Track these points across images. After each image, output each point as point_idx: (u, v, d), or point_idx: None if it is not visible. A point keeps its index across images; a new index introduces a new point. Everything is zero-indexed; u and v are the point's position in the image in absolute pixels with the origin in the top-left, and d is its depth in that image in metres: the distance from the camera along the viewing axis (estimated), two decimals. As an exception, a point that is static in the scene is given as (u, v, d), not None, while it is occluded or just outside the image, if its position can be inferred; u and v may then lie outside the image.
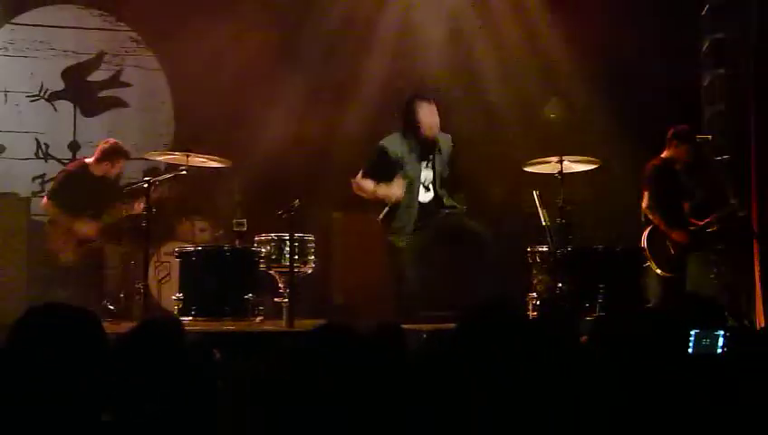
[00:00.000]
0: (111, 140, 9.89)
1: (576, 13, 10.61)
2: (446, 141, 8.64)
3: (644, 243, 9.29)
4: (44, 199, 9.88)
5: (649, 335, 3.95)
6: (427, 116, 8.56)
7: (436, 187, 8.46)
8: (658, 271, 9.25)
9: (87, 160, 9.88)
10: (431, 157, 8.49)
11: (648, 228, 9.36)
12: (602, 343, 3.97)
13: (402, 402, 3.56)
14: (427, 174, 8.46)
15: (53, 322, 3.51)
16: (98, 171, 9.75)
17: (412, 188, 8.42)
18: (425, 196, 8.44)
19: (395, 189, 8.46)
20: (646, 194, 9.41)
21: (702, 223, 9.38)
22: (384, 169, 8.46)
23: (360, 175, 8.68)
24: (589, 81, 10.55)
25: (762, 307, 9.27)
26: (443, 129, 8.78)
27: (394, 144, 8.47)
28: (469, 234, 8.52)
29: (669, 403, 3.63)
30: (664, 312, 4.98)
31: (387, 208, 8.52)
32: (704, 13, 10.45)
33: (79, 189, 9.67)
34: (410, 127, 8.47)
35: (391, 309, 9.25)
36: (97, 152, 9.82)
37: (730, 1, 10.20)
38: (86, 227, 9.66)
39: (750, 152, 9.65)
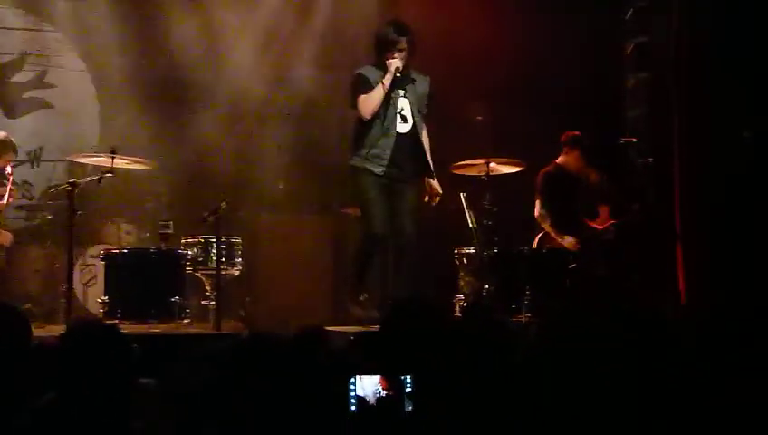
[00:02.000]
0: (1, 133, 9.64)
1: (500, 14, 10.68)
2: (423, 80, 8.48)
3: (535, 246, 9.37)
4: None
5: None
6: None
7: (415, 120, 8.30)
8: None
9: None
10: (405, 87, 8.30)
11: (539, 235, 9.44)
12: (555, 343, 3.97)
13: (325, 403, 3.58)
14: (402, 103, 8.27)
15: None
16: None
17: (388, 114, 8.23)
18: (402, 126, 8.22)
19: (393, 64, 8.15)
20: (537, 202, 9.48)
21: (601, 228, 9.44)
22: (369, 87, 8.22)
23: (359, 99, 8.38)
24: (515, 83, 10.61)
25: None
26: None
27: (369, 71, 8.30)
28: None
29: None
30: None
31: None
32: (627, 16, 10.56)
33: None
34: (382, 59, 8.28)
35: (320, 310, 9.28)
36: None
37: (653, 5, 10.31)
38: (2, 238, 9.47)
39: (672, 155, 9.77)
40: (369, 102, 8.14)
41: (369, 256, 8.27)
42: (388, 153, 8.12)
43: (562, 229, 9.31)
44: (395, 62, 8.12)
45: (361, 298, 8.20)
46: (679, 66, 9.79)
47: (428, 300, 4.50)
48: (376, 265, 8.38)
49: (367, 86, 8.17)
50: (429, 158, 8.35)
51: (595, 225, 9.48)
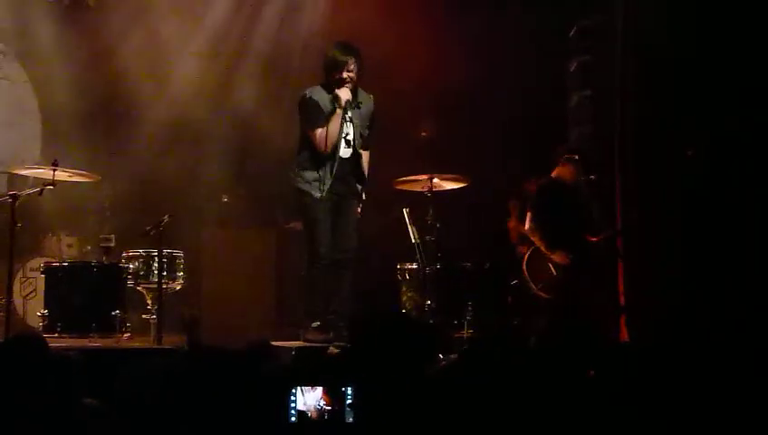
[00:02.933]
0: None
1: (445, 32, 10.74)
2: (367, 99, 8.48)
3: (524, 265, 9.21)
4: None
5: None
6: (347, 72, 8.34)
7: (355, 144, 8.30)
8: (538, 292, 9.11)
9: None
10: (351, 111, 8.30)
11: (530, 250, 9.26)
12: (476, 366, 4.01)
13: (266, 415, 3.58)
14: (348, 128, 8.28)
15: None
16: None
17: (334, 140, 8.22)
18: (345, 151, 8.25)
19: (343, 94, 8.19)
20: (528, 215, 9.32)
21: (597, 239, 9.40)
22: (322, 113, 8.22)
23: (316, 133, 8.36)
24: (459, 100, 10.66)
25: (624, 325, 9.41)
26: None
27: (318, 93, 8.28)
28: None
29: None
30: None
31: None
32: (571, 34, 10.63)
33: None
34: (330, 80, 8.28)
35: (263, 324, 9.25)
36: None
37: (596, 24, 10.38)
38: None
39: (614, 173, 9.83)
40: (329, 139, 8.21)
41: (318, 277, 8.27)
42: (328, 178, 8.17)
43: (554, 243, 9.19)
44: (344, 96, 8.17)
45: (314, 325, 8.17)
46: (621, 85, 9.86)
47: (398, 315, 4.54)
48: (322, 283, 8.35)
49: (318, 114, 8.21)
50: (365, 177, 8.42)
51: (593, 238, 9.37)
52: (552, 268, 9.15)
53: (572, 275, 9.06)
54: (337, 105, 8.17)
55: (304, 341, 8.05)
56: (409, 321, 5.40)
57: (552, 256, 9.15)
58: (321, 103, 8.22)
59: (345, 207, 8.36)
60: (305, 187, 8.23)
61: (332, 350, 7.33)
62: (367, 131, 8.43)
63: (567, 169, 9.38)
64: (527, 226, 9.26)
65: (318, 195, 8.16)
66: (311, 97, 8.29)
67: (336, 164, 8.18)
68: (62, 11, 11.00)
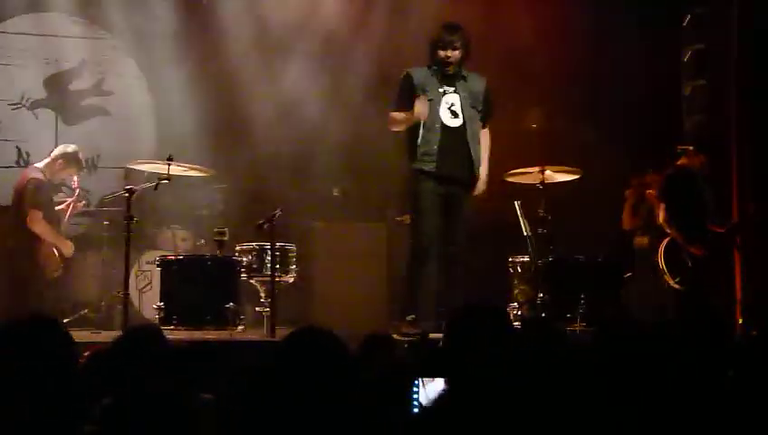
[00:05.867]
0: (72, 147, 9.68)
1: (557, 22, 10.65)
2: (478, 79, 8.53)
3: (660, 255, 9.10)
4: (34, 212, 9.25)
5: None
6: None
7: (464, 115, 8.33)
8: (675, 284, 9.03)
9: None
10: (455, 84, 8.36)
11: (666, 241, 9.11)
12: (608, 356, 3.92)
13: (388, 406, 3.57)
14: (452, 98, 8.31)
15: (27, 332, 3.55)
16: (56, 178, 9.64)
17: (434, 110, 8.27)
18: (452, 120, 8.26)
19: (418, 108, 8.24)
20: (662, 206, 9.19)
21: (723, 231, 9.25)
22: (409, 96, 8.32)
23: (391, 111, 8.52)
24: (570, 90, 10.57)
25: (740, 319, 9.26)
26: None
27: (418, 72, 8.36)
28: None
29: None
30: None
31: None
32: (685, 23, 10.48)
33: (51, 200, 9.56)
34: (434, 59, 8.34)
35: (375, 318, 9.25)
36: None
37: (711, 12, 10.22)
38: (66, 248, 9.49)
39: (731, 163, 9.67)
40: (395, 124, 8.39)
41: (418, 270, 8.28)
42: (435, 148, 8.19)
43: (690, 235, 9.03)
44: (422, 112, 8.20)
45: (409, 318, 8.18)
46: (737, 73, 9.69)
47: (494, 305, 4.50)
48: (427, 278, 8.34)
49: (406, 97, 8.31)
50: (484, 155, 8.40)
51: (718, 228, 9.24)
52: (688, 260, 9.01)
53: (706, 267, 8.92)
54: (415, 113, 8.23)
55: (397, 334, 8.02)
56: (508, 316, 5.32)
57: (689, 249, 8.99)
58: (416, 84, 8.30)
59: (456, 199, 8.35)
60: (418, 164, 8.29)
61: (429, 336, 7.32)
62: (481, 106, 8.43)
63: (694, 159, 9.22)
64: (661, 218, 9.09)
65: (429, 167, 8.22)
66: (408, 74, 8.42)
67: (440, 135, 8.21)
68: (176, 7, 11.12)
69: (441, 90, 8.33)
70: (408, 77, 8.37)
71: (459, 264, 8.37)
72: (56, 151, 9.56)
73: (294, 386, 3.26)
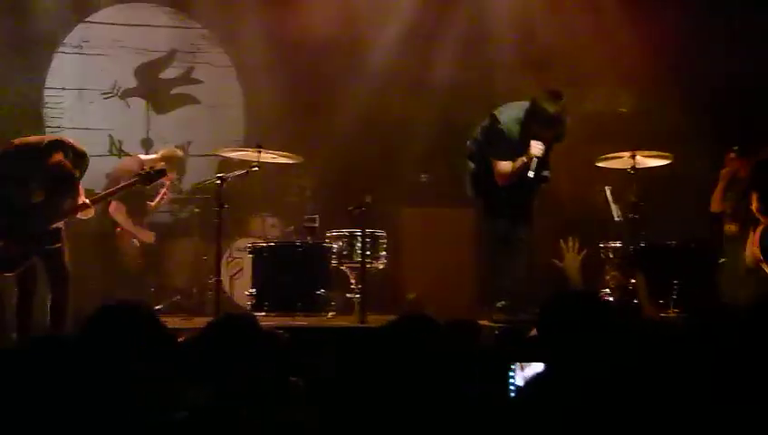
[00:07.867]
0: (179, 152, 9.93)
1: (648, 7, 10.53)
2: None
3: (756, 243, 8.78)
4: (118, 204, 9.58)
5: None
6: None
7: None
8: None
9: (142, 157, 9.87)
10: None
11: (761, 227, 8.72)
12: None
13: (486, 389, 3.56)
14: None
15: (119, 317, 3.63)
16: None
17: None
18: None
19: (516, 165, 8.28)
20: (754, 195, 8.83)
21: None
22: (505, 147, 8.31)
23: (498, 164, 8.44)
24: (660, 75, 10.45)
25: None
26: None
27: (510, 121, 8.27)
28: None
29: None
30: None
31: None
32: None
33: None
34: (531, 122, 8.27)
35: (464, 304, 9.24)
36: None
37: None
38: (145, 236, 9.68)
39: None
40: (505, 176, 8.32)
41: (503, 257, 8.29)
42: None
43: None
44: (535, 151, 8.18)
45: (499, 305, 8.18)
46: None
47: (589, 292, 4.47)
48: (515, 265, 8.35)
49: (502, 144, 8.28)
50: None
51: None
52: None
53: None
54: (525, 155, 8.20)
55: (490, 321, 8.01)
56: (604, 303, 5.28)
57: None
58: (505, 132, 8.26)
59: (526, 189, 8.36)
60: None
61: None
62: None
63: None
64: (754, 205, 8.87)
65: None
66: (497, 122, 8.33)
67: None
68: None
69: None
70: (498, 128, 8.30)
71: (523, 253, 8.40)
72: (164, 151, 9.75)
73: (396, 373, 3.27)
